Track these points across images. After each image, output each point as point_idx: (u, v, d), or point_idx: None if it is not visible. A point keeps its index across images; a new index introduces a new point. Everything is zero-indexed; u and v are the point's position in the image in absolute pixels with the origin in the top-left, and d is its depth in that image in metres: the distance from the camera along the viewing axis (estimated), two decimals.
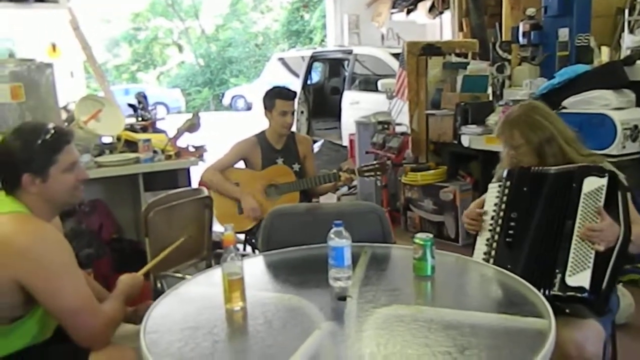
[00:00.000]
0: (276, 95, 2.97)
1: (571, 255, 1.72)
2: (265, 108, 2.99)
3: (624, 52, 5.24)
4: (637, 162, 3.26)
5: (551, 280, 1.70)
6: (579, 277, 1.69)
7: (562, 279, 1.70)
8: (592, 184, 1.79)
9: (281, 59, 8.46)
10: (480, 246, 1.95)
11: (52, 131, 1.61)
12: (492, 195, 2.00)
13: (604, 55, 4.36)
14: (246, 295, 1.51)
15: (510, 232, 1.87)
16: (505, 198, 1.93)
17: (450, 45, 5.11)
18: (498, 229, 1.91)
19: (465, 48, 5.09)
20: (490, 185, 2.06)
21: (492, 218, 1.94)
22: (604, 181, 1.78)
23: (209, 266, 2.58)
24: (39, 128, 1.61)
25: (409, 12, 7.99)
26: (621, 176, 1.88)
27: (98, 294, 1.73)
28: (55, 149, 1.59)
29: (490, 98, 4.32)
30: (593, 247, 1.72)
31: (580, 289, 1.67)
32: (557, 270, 1.71)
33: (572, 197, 1.79)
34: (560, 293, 1.66)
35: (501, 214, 1.92)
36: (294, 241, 1.97)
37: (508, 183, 1.95)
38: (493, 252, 1.88)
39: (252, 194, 2.94)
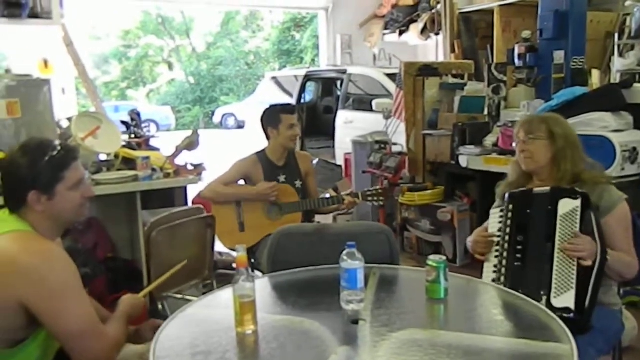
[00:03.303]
0: (281, 111, 2.98)
1: (554, 276, 1.76)
2: (270, 125, 2.98)
3: (614, 76, 5.32)
4: (636, 184, 3.28)
5: (537, 302, 1.69)
6: (564, 298, 1.73)
7: (548, 301, 1.73)
8: (567, 206, 1.83)
9: (274, 78, 8.48)
10: (488, 273, 1.95)
11: (59, 148, 1.57)
12: (495, 221, 2.01)
13: (595, 78, 4.41)
14: (257, 317, 1.47)
15: (518, 255, 1.87)
16: (509, 222, 1.93)
17: (447, 66, 5.15)
18: (505, 253, 1.91)
19: (462, 69, 5.13)
20: (492, 211, 2.08)
21: (498, 243, 1.95)
22: (577, 202, 1.82)
23: (210, 286, 2.53)
24: (46, 144, 1.57)
25: (401, 33, 8.06)
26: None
27: (98, 314, 1.67)
28: (63, 166, 1.55)
29: (487, 119, 4.34)
30: (580, 263, 1.74)
31: (566, 309, 1.71)
32: (542, 292, 1.74)
33: (550, 219, 1.83)
34: None
35: (506, 237, 1.92)
36: (300, 262, 1.93)
37: (511, 206, 1.95)
38: (502, 278, 1.88)
39: (255, 213, 2.90)
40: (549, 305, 1.70)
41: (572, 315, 1.69)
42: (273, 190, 2.87)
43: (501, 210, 2.00)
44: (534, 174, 2.04)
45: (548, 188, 1.91)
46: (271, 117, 2.98)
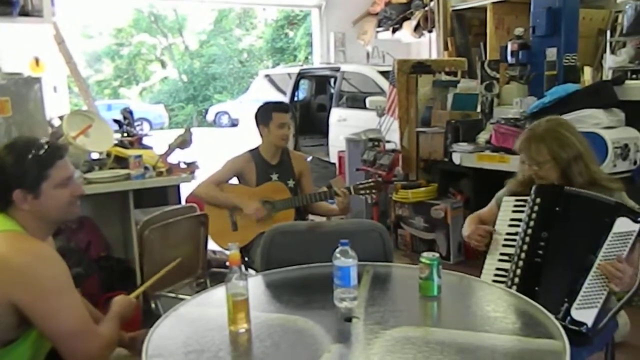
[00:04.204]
0: (272, 109, 2.96)
1: (584, 289, 1.70)
2: (261, 123, 2.97)
3: (606, 72, 5.35)
4: (628, 180, 3.29)
5: (557, 307, 1.68)
6: (585, 313, 1.69)
7: (568, 310, 1.69)
8: (624, 226, 1.72)
9: (267, 76, 8.46)
10: (493, 262, 1.91)
11: (45, 146, 1.55)
12: (509, 209, 1.96)
13: (587, 75, 4.43)
14: (250, 316, 1.46)
15: (540, 252, 1.81)
16: (534, 215, 1.86)
17: (440, 63, 5.15)
18: (526, 246, 1.84)
19: (455, 66, 5.13)
20: (505, 198, 2.01)
21: (517, 234, 1.89)
22: (636, 227, 1.72)
23: (203, 285, 2.52)
24: (32, 143, 1.56)
25: (394, 31, 8.07)
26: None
27: (90, 314, 1.66)
28: (47, 163, 1.54)
29: (480, 116, 4.35)
30: (609, 286, 1.69)
31: (582, 324, 1.68)
32: (565, 299, 1.70)
33: (600, 231, 1.73)
34: (560, 322, 1.63)
35: (529, 231, 1.85)
36: (293, 260, 1.92)
37: (538, 200, 1.87)
38: (519, 271, 1.83)
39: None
40: (567, 313, 1.68)
41: (584, 329, 1.67)
42: (260, 215, 2.82)
43: (516, 201, 1.95)
44: None
45: (612, 200, 1.78)
46: (263, 114, 2.97)
